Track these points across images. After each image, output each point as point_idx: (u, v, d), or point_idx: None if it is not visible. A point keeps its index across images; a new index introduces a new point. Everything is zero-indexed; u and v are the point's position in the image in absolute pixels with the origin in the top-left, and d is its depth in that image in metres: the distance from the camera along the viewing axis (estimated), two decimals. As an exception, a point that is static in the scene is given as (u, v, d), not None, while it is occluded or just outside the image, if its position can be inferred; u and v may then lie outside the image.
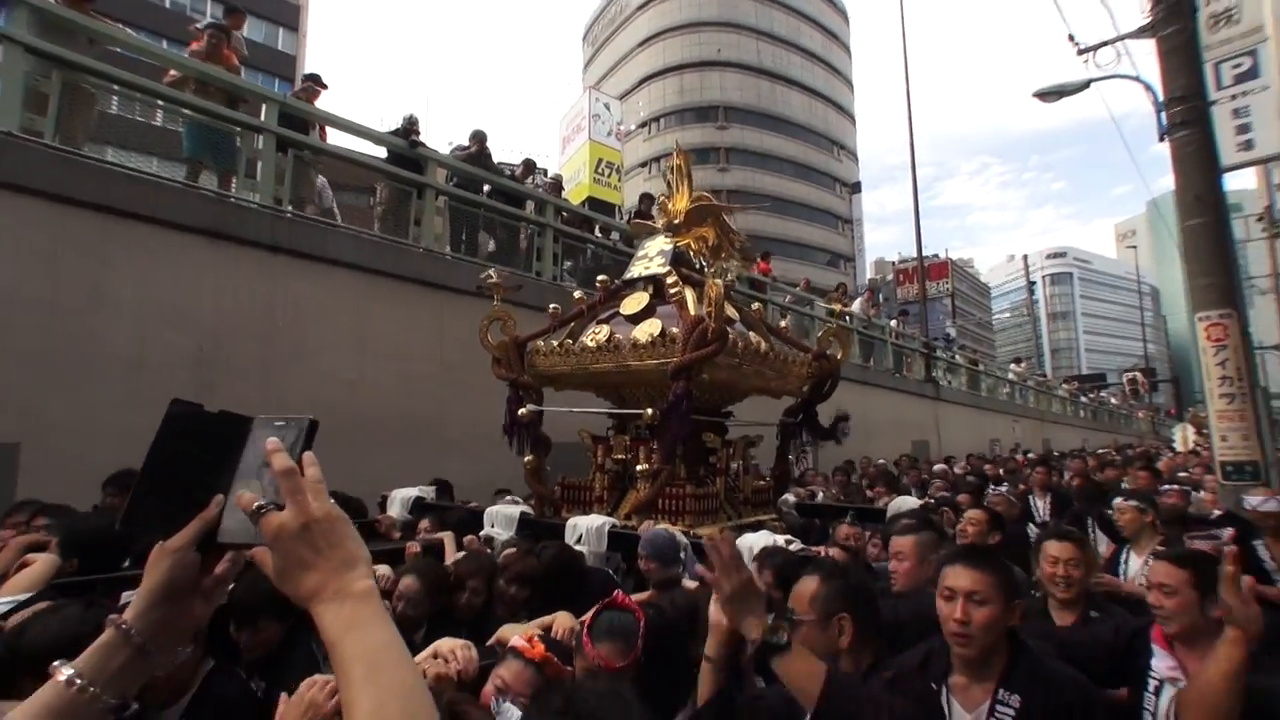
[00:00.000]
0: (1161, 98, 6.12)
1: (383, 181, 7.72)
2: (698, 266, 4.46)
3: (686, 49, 47.73)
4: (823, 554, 2.96)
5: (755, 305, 4.59)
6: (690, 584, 2.82)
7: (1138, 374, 41.18)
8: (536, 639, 1.87)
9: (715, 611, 1.60)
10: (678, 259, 4.26)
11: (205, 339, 5.83)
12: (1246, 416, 5.52)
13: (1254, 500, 3.88)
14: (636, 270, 4.42)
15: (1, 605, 2.20)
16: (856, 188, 49.91)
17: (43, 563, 2.54)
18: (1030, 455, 14.14)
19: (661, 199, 4.53)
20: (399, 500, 4.79)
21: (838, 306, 5.19)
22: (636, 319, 4.08)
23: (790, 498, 5.25)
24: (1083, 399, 33.06)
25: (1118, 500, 4.16)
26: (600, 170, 21.28)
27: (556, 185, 10.49)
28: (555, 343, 4.27)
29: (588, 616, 1.91)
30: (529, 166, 9.91)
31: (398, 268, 7.27)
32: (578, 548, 3.47)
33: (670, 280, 4.02)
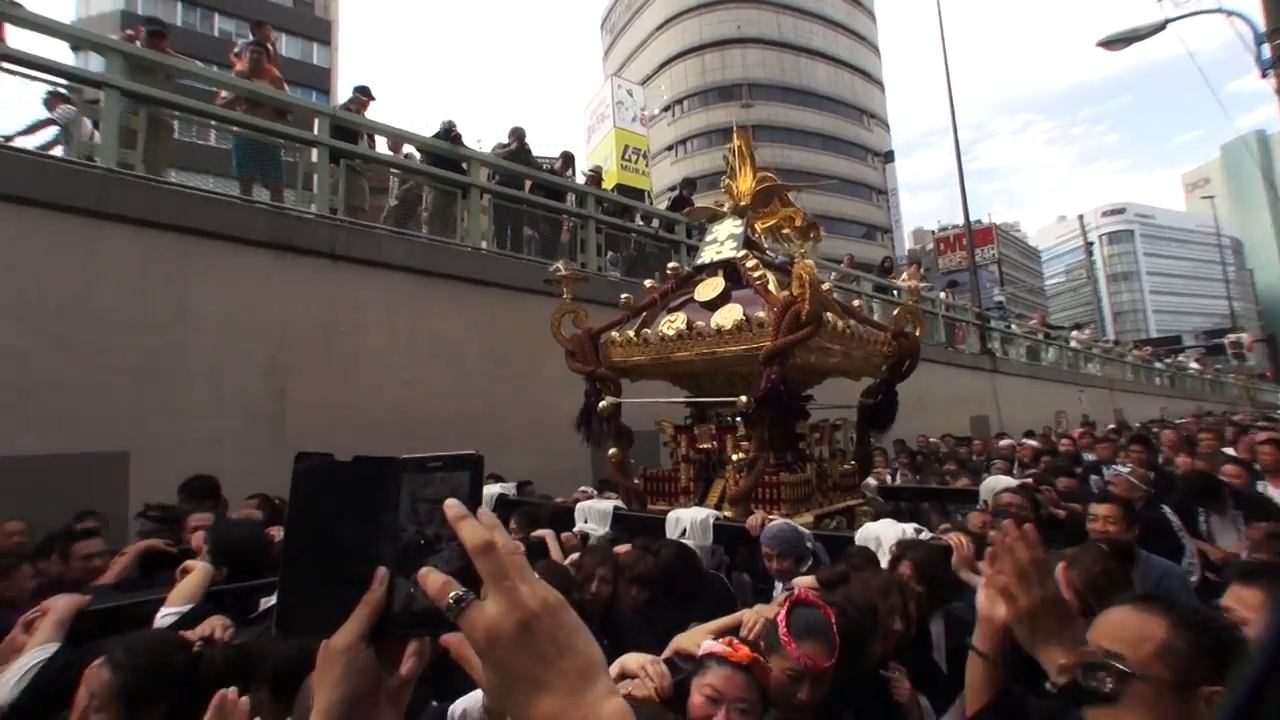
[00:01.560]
0: (1262, 28, 5.70)
1: (422, 183, 8.07)
2: (766, 248, 4.42)
3: (705, 28, 47.13)
4: (953, 539, 2.78)
5: (825, 285, 4.67)
6: (804, 580, 2.62)
7: (1241, 335, 37.91)
8: (736, 641, 1.75)
9: (985, 602, 1.34)
10: (748, 242, 4.18)
11: (275, 346, 6.20)
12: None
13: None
14: (708, 255, 4.30)
15: (169, 617, 2.29)
16: (889, 157, 48.81)
17: (200, 572, 2.59)
18: (1109, 428, 13.18)
19: (726, 183, 4.46)
20: (484, 498, 4.93)
21: (915, 283, 5.11)
22: (713, 305, 3.98)
23: (872, 481, 5.13)
24: (1157, 364, 30.10)
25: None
26: (627, 156, 21.38)
27: (596, 177, 10.70)
28: (630, 333, 4.17)
29: (779, 614, 1.82)
30: (568, 159, 9.97)
31: (447, 267, 7.46)
32: (684, 541, 3.40)
33: (750, 264, 3.91)
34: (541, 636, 0.56)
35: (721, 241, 4.27)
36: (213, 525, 3.29)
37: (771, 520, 3.24)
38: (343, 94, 29.05)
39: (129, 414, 5.27)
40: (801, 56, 47.70)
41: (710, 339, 3.75)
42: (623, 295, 4.47)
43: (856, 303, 5.00)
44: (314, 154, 6.92)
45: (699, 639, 1.88)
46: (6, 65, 5.38)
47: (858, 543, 3.02)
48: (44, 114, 5.67)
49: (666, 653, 1.98)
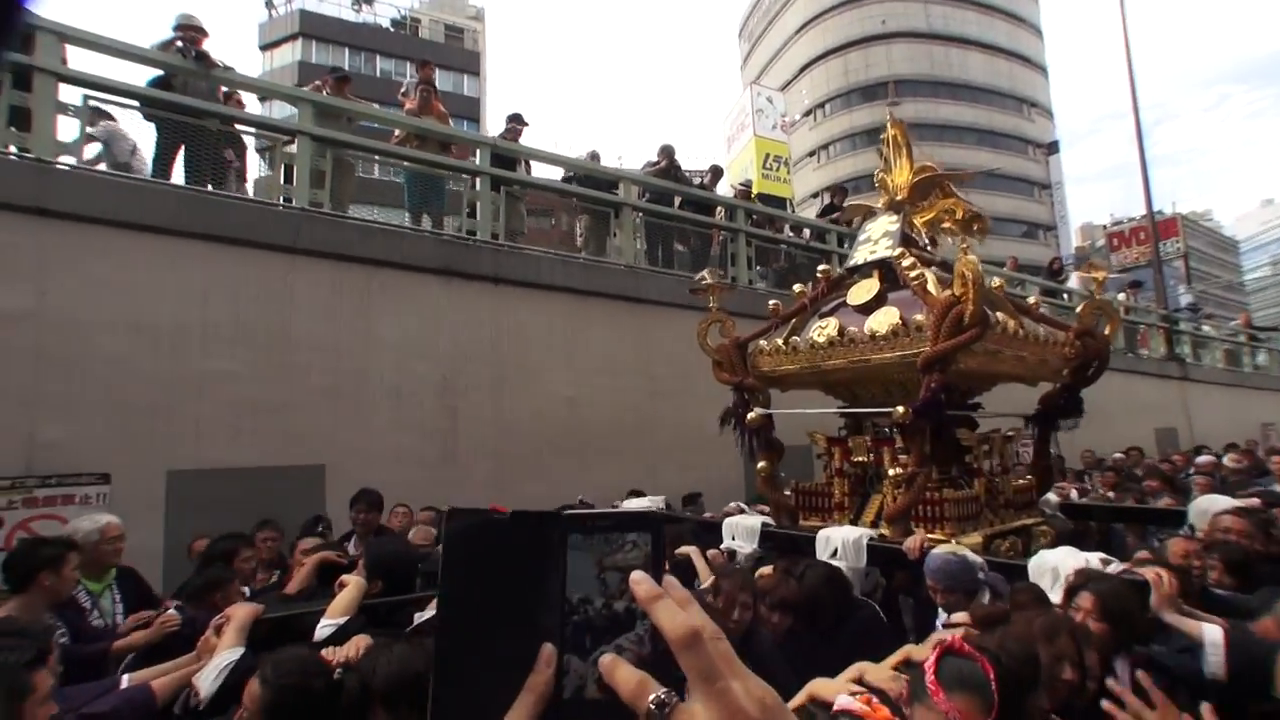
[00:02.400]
0: None
1: (575, 204, 8.28)
2: (923, 244, 4.03)
3: (848, 27, 45.28)
4: (1153, 573, 2.37)
5: (996, 282, 4.20)
6: (959, 616, 2.35)
7: None
8: (873, 699, 1.59)
9: None
10: (905, 239, 3.83)
11: (446, 367, 6.56)
12: None
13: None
14: (861, 255, 4.00)
15: (326, 628, 2.42)
16: (1053, 148, 44.41)
17: (354, 586, 2.69)
18: None
19: (879, 175, 4.16)
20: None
21: (1099, 275, 4.37)
22: (867, 309, 3.70)
23: (1053, 498, 4.57)
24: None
25: None
26: (768, 165, 20.94)
27: (746, 191, 10.50)
28: (779, 341, 3.98)
29: (928, 660, 1.64)
30: (716, 173, 9.95)
31: (602, 286, 7.64)
32: (833, 563, 3.15)
33: (906, 263, 3.56)
34: None
35: (876, 240, 3.95)
36: (368, 540, 3.44)
37: (931, 541, 2.95)
38: (491, 121, 30.93)
39: (324, 430, 5.76)
40: (953, 47, 44.31)
41: (864, 345, 3.48)
42: (770, 301, 4.28)
43: (1032, 299, 4.50)
44: (476, 183, 7.27)
45: (841, 687, 1.68)
46: (239, 125, 6.16)
47: (1031, 572, 2.66)
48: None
49: (800, 698, 1.77)
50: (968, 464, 3.89)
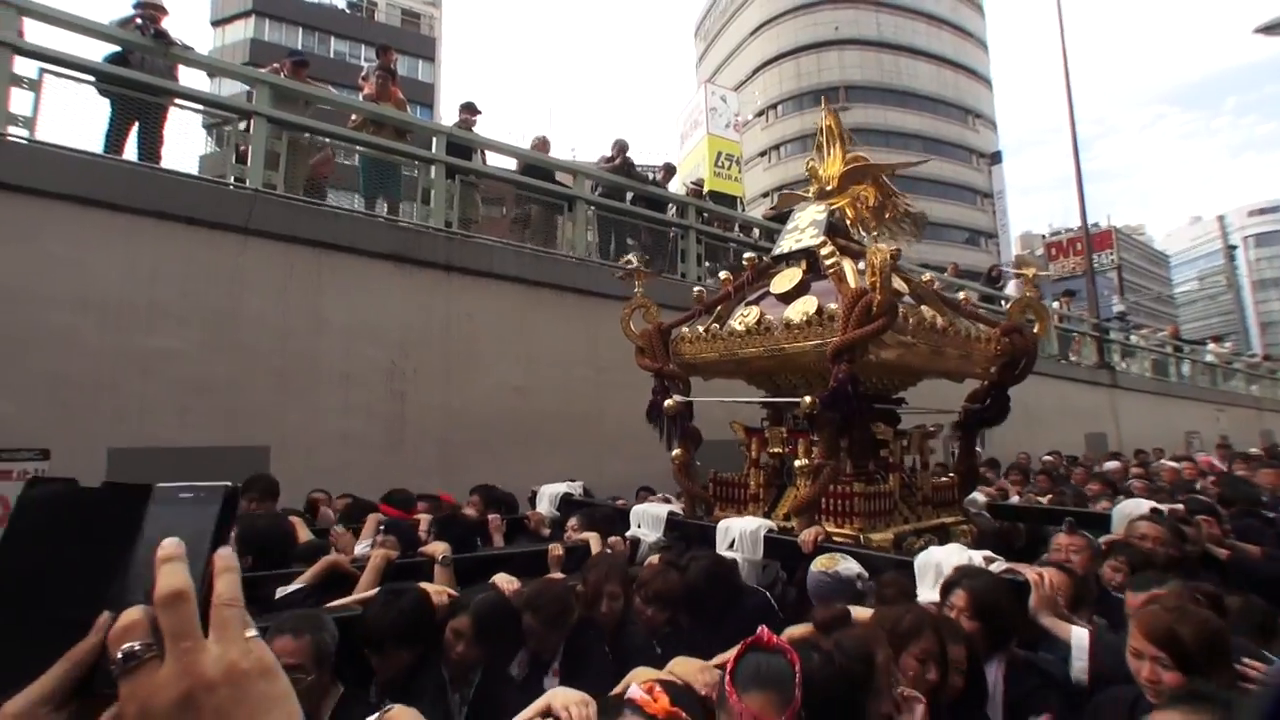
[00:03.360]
0: None
1: (528, 195, 8.42)
2: (856, 236, 4.03)
3: (801, 31, 45.95)
4: (1034, 573, 2.37)
5: (927, 276, 4.37)
6: (861, 611, 2.28)
7: None
8: (659, 689, 1.49)
9: None
10: (833, 229, 3.81)
11: (396, 353, 6.60)
12: None
13: None
14: (787, 244, 3.95)
15: None
16: (996, 158, 46.02)
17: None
18: (1254, 450, 11.62)
19: (810, 164, 4.10)
20: (547, 496, 4.69)
21: (1030, 271, 4.21)
22: (789, 298, 3.67)
23: (980, 497, 4.52)
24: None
25: None
26: (720, 163, 21.28)
27: (698, 189, 10.81)
28: (701, 328, 3.96)
29: (730, 660, 1.55)
30: (669, 170, 10.10)
31: (553, 277, 7.67)
32: (729, 554, 3.11)
33: (825, 251, 3.51)
34: (208, 713, 0.44)
35: (802, 229, 3.91)
36: (239, 516, 3.49)
37: (839, 535, 2.96)
38: (446, 108, 30.53)
39: (271, 412, 5.73)
40: (902, 56, 45.51)
41: (779, 334, 3.44)
42: (695, 288, 4.26)
43: (963, 295, 4.52)
44: (431, 170, 7.37)
45: (652, 681, 1.58)
46: (180, 101, 6.06)
47: (917, 569, 2.62)
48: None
49: (621, 686, 1.69)
50: (884, 459, 3.84)
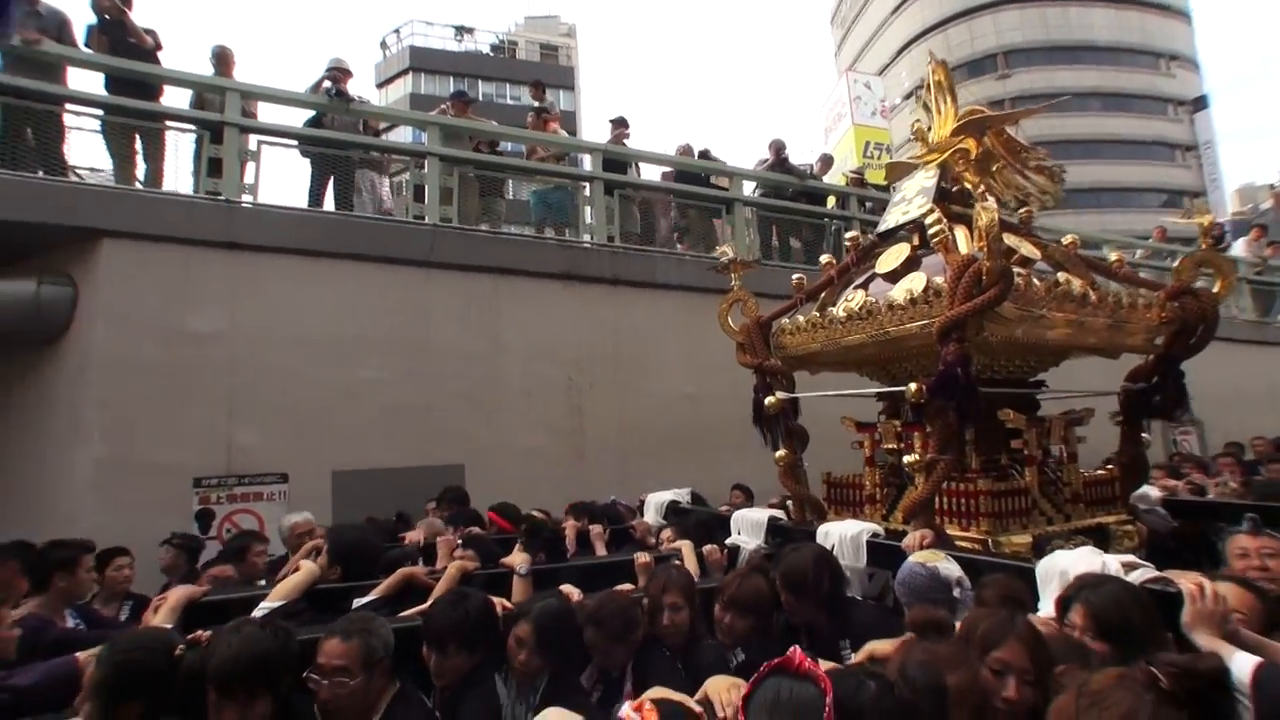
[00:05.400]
0: None
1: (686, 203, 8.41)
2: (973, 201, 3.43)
3: (946, 1, 43.26)
4: (1193, 583, 1.78)
5: (1068, 239, 3.47)
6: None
7: None
8: (650, 706, 1.30)
9: None
10: (945, 195, 3.30)
11: (570, 368, 6.78)
12: None
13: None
14: (893, 218, 3.49)
15: (262, 609, 2.41)
16: (1200, 104, 39.38)
17: (304, 571, 2.68)
18: None
19: (916, 125, 3.62)
20: (654, 505, 4.53)
21: (1204, 219, 3.26)
22: (895, 277, 3.23)
23: (1153, 492, 3.76)
24: None
25: None
26: (869, 153, 20.18)
27: (860, 179, 10.28)
28: (802, 318, 3.60)
29: (748, 685, 1.35)
30: (826, 162, 9.64)
31: (716, 282, 7.64)
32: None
33: (930, 219, 3.00)
34: None
35: (910, 199, 3.43)
36: (330, 529, 3.47)
37: (965, 540, 2.54)
38: (588, 132, 31.84)
39: (462, 432, 6.06)
40: (1071, 5, 39.06)
41: (881, 316, 3.01)
42: (794, 276, 3.88)
43: (1115, 257, 3.79)
44: (588, 188, 7.52)
45: (644, 699, 1.37)
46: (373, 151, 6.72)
47: (1039, 576, 2.14)
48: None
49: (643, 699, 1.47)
50: (1019, 451, 3.28)
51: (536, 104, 8.47)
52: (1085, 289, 3.07)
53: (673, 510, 4.40)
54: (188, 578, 3.39)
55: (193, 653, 1.85)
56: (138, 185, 5.78)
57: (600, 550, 3.85)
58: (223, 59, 6.30)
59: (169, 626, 2.24)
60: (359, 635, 1.92)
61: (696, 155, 8.47)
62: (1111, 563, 2.04)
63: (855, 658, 1.81)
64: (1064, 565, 2.08)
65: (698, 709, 1.44)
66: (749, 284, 7.89)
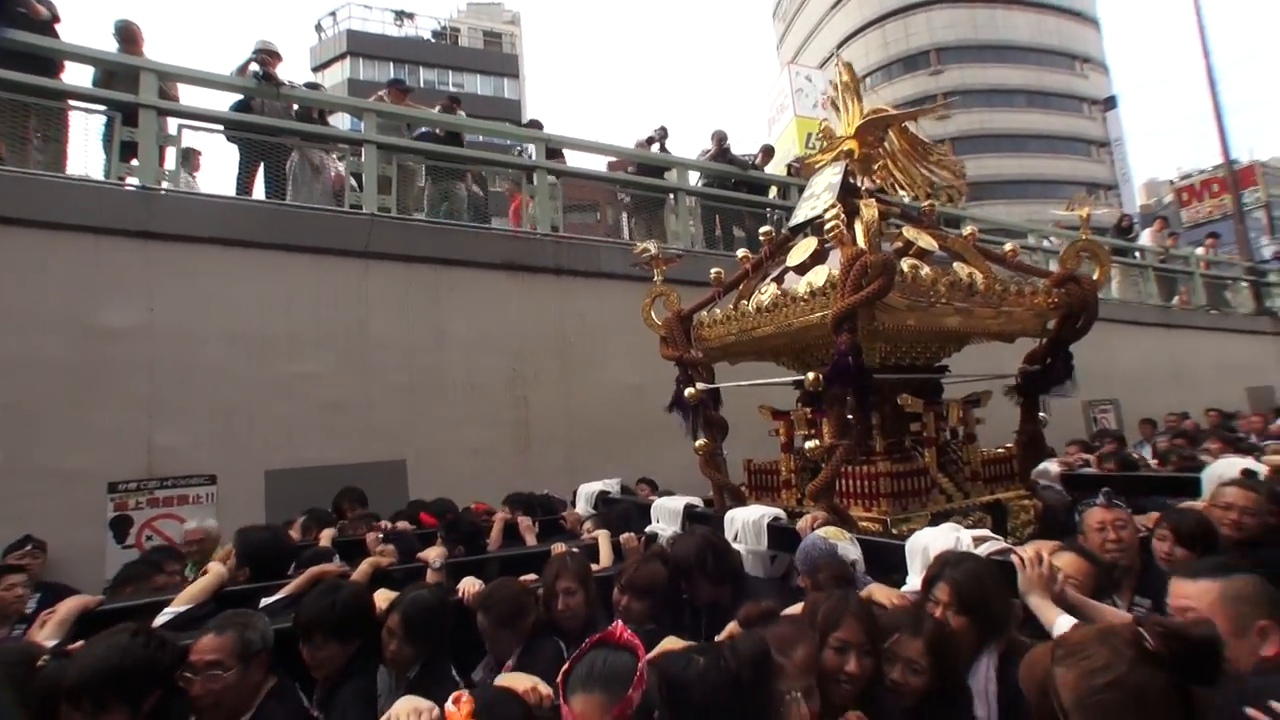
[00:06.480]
0: None
1: (618, 195, 8.36)
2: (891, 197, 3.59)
3: (885, -2, 44.02)
4: (1024, 553, 1.96)
5: (967, 230, 3.61)
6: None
7: None
8: (466, 697, 1.33)
9: None
10: (850, 191, 3.37)
11: (514, 359, 6.63)
12: None
13: None
14: (802, 213, 3.53)
15: (165, 616, 2.34)
16: (1110, 103, 41.38)
17: (212, 574, 2.64)
18: None
19: (824, 124, 3.73)
20: (584, 495, 4.54)
21: (1083, 211, 3.49)
22: (806, 269, 3.29)
23: (1053, 468, 3.97)
24: None
25: None
26: (811, 144, 20.55)
27: (800, 168, 10.39)
28: (718, 311, 3.68)
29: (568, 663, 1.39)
30: (768, 153, 9.68)
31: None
32: (735, 546, 2.86)
33: (830, 214, 3.02)
34: None
35: (818, 195, 3.50)
36: (237, 530, 3.40)
37: (817, 521, 2.58)
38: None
39: (404, 426, 5.85)
40: (997, 8, 40.61)
41: (786, 309, 3.10)
42: (713, 270, 3.92)
43: (1009, 247, 3.88)
44: (534, 177, 7.38)
45: (462, 691, 1.44)
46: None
47: (907, 554, 2.26)
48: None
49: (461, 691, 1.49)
50: (918, 434, 3.39)
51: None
52: (971, 278, 3.18)
53: (602, 500, 4.43)
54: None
55: (53, 665, 1.78)
56: (36, 171, 5.30)
57: (530, 541, 3.85)
58: (128, 34, 5.81)
59: (51, 641, 2.14)
60: (234, 628, 1.92)
61: (658, 133, 8.39)
62: (965, 538, 2.16)
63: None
64: (925, 543, 2.20)
65: (538, 689, 1.51)
66: (693, 273, 7.91)
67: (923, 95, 39.13)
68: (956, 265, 3.31)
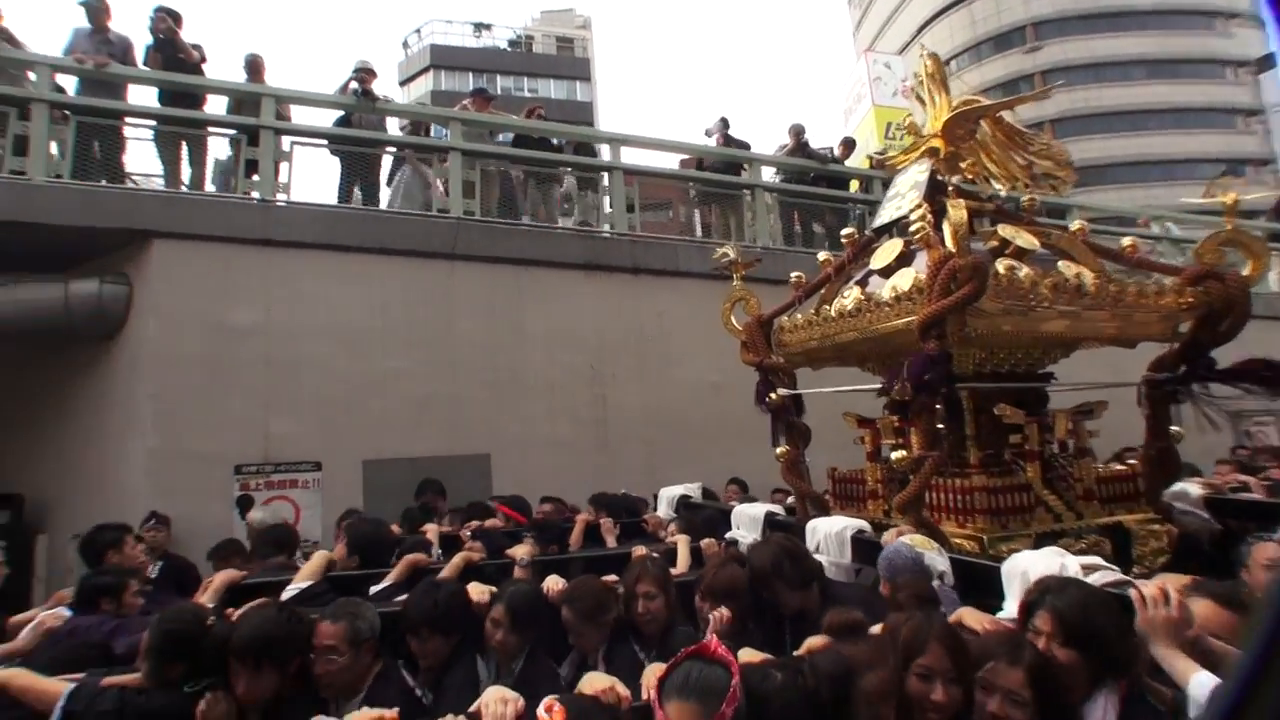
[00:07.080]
0: None
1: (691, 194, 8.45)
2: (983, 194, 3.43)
3: (969, -29, 41.11)
4: (1147, 590, 1.69)
5: (1075, 226, 3.33)
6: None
7: None
8: (559, 706, 1.40)
9: None
10: (938, 189, 3.21)
11: (593, 357, 6.80)
12: None
13: None
14: (887, 214, 3.41)
15: (290, 590, 2.69)
16: (1267, 62, 33.36)
17: (319, 555, 3.03)
18: None
19: (909, 120, 3.60)
20: (665, 499, 4.57)
21: (1228, 197, 2.90)
22: (890, 272, 3.16)
23: (1192, 489, 3.46)
24: None
25: None
26: (891, 134, 19.81)
27: (882, 162, 10.16)
28: (800, 316, 3.59)
29: (665, 668, 1.43)
30: (849, 145, 9.47)
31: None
32: (817, 558, 2.78)
33: (916, 215, 2.90)
34: None
35: (903, 194, 3.36)
36: (349, 523, 3.85)
37: (904, 535, 2.46)
38: (604, 123, 31.89)
39: (488, 421, 6.13)
40: None
41: (869, 314, 2.98)
42: (793, 274, 3.79)
43: (1128, 242, 3.47)
44: (606, 178, 7.59)
45: (553, 699, 1.48)
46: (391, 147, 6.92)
47: (1004, 575, 2.10)
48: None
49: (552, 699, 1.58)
50: (1019, 446, 3.13)
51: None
52: (1079, 278, 2.95)
53: (683, 504, 4.44)
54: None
55: (221, 626, 2.15)
56: (183, 189, 6.12)
57: (611, 543, 3.94)
58: (254, 67, 6.56)
59: (210, 605, 2.54)
60: (346, 618, 2.15)
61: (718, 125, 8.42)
62: (1071, 563, 1.99)
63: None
64: (1024, 565, 2.04)
65: (615, 689, 1.57)
66: (773, 271, 7.95)
67: (1017, 76, 35.56)
68: (1062, 264, 3.08)
